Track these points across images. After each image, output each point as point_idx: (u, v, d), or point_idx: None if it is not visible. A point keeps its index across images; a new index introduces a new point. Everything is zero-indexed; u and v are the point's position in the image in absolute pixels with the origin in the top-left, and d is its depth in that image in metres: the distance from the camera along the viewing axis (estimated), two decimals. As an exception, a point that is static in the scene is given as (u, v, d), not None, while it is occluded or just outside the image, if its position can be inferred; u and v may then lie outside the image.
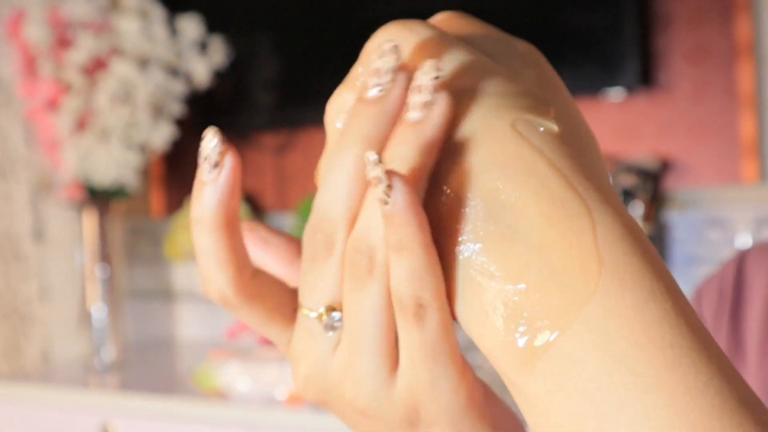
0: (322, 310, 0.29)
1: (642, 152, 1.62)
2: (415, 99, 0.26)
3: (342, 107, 0.30)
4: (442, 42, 0.28)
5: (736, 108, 1.55)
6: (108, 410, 1.56)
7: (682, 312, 0.24)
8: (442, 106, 0.26)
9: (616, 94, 1.61)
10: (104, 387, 1.69)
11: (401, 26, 0.29)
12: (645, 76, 1.58)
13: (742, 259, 0.54)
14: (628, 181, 1.54)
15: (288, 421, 1.39)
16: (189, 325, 2.16)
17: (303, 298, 0.29)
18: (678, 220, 1.61)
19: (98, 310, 1.85)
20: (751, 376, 0.49)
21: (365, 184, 0.27)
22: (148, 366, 1.86)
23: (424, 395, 0.28)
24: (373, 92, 0.27)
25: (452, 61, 0.28)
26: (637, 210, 1.54)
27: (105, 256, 1.86)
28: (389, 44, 0.26)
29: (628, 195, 1.54)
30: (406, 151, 0.26)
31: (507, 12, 1.66)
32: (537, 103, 0.27)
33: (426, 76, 0.26)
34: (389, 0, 1.78)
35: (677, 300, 0.24)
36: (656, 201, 1.59)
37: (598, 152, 0.28)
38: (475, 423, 0.30)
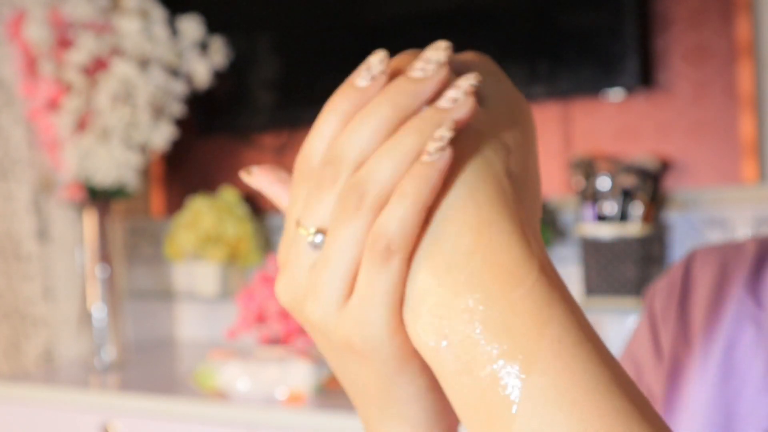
0: (312, 230, 0.33)
1: (642, 152, 1.62)
2: (450, 93, 0.32)
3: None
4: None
5: (736, 108, 1.55)
6: (108, 410, 1.56)
7: (575, 316, 0.31)
8: (467, 106, 0.32)
9: (615, 94, 1.61)
10: (105, 387, 1.69)
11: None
12: (645, 76, 1.58)
13: (689, 260, 0.60)
14: (628, 181, 1.54)
15: (288, 421, 1.39)
16: (189, 325, 2.17)
17: (302, 216, 0.33)
18: (678, 221, 1.61)
19: (99, 310, 1.85)
20: (696, 355, 0.55)
21: (383, 140, 0.32)
22: (149, 366, 1.87)
23: (359, 330, 0.32)
24: (417, 73, 0.32)
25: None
26: (636, 210, 1.54)
27: (105, 256, 1.87)
28: (446, 44, 0.33)
29: (627, 195, 1.55)
30: (426, 127, 0.32)
31: (507, 12, 1.66)
32: (507, 153, 0.33)
33: (467, 80, 0.32)
34: (389, 1, 1.78)
35: (574, 309, 0.31)
36: (656, 201, 1.60)
37: (539, 197, 0.35)
38: (411, 372, 0.34)
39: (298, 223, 0.34)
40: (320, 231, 0.33)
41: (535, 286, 0.30)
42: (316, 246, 0.33)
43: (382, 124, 0.32)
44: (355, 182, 0.32)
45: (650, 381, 0.58)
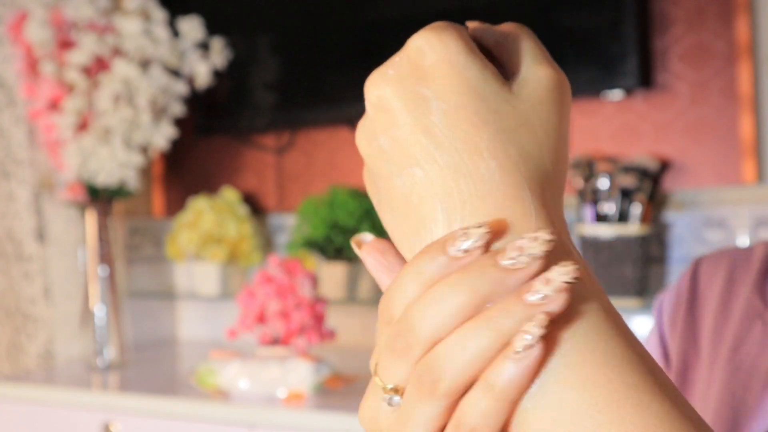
0: (389, 387, 0.32)
1: (641, 153, 1.62)
2: (541, 288, 0.29)
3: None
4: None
5: (736, 109, 1.56)
6: (109, 409, 1.57)
7: (614, 321, 0.31)
8: (559, 302, 0.29)
9: (615, 94, 1.62)
10: (106, 386, 1.70)
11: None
12: (644, 76, 1.59)
13: (695, 268, 0.61)
14: (628, 181, 1.54)
15: (288, 421, 1.40)
16: (190, 324, 2.17)
17: (379, 368, 0.32)
18: (677, 221, 1.62)
19: (100, 309, 1.86)
20: (704, 357, 0.56)
21: (459, 323, 0.30)
22: (150, 365, 1.87)
23: None
24: (507, 261, 0.30)
25: None
26: (636, 210, 1.55)
27: (106, 256, 1.87)
28: (548, 237, 0.29)
29: (627, 195, 1.55)
30: (507, 323, 0.29)
31: (507, 12, 1.66)
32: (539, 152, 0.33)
33: (560, 275, 0.29)
34: (389, 1, 1.79)
35: (593, 289, 0.31)
36: (655, 201, 1.60)
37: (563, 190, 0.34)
38: None
39: (375, 369, 0.33)
40: (395, 390, 0.32)
41: None
42: (391, 404, 0.32)
43: (457, 309, 0.30)
44: (429, 365, 0.30)
45: None
